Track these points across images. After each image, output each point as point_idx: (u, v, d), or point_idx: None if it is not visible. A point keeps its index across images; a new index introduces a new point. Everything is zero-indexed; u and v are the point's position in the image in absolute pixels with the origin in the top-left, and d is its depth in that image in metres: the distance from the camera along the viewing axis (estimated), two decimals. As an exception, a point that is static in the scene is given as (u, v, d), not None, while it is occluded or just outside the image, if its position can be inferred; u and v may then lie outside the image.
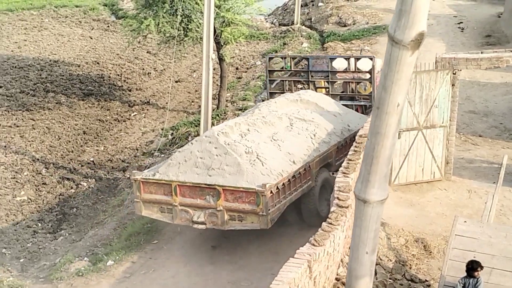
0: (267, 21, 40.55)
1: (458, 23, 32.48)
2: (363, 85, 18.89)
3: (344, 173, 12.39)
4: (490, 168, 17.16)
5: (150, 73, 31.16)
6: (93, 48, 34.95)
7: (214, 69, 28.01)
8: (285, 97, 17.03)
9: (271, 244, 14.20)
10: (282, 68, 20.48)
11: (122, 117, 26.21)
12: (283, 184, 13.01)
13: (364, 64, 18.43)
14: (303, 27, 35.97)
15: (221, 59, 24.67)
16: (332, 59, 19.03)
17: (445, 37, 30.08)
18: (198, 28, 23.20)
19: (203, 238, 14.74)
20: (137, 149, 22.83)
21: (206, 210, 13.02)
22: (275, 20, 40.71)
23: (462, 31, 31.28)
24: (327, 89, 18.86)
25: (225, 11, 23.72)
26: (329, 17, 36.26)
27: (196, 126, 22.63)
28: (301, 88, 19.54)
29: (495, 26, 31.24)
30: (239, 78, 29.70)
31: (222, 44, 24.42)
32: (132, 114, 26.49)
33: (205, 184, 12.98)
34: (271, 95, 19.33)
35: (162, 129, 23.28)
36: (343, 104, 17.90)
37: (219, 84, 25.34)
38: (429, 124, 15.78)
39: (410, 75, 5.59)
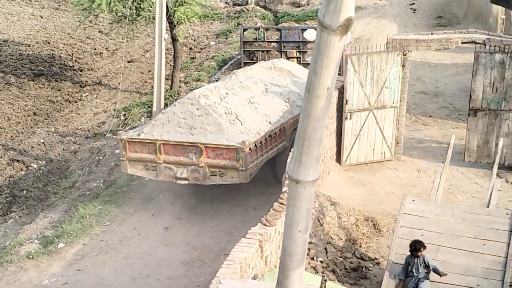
0: (221, 1, 40.31)
1: (410, 4, 32.84)
2: None
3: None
4: (439, 147, 17.51)
5: (102, 53, 30.69)
6: (43, 28, 34.22)
7: (167, 49, 27.83)
8: (260, 65, 18.09)
9: (225, 225, 14.28)
10: (256, 39, 21.62)
11: (73, 97, 25.81)
12: (261, 142, 14.23)
13: None
14: (257, 7, 35.88)
15: (174, 39, 24.46)
16: (303, 30, 20.94)
17: (397, 18, 30.41)
18: (151, 7, 22.94)
19: (156, 219, 14.73)
20: (88, 131, 22.54)
21: (189, 167, 14.10)
22: (229, 0, 40.53)
23: (414, 12, 31.65)
24: (299, 59, 20.35)
25: (178, -10, 23.51)
26: (283, -3, 36.23)
27: (148, 107, 22.48)
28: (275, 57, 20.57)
29: (446, 8, 31.67)
30: (193, 58, 29.49)
31: (175, 24, 24.20)
32: (84, 95, 26.11)
33: (188, 142, 14.06)
34: (245, 64, 20.53)
35: (114, 110, 23.04)
36: None
37: (172, 64, 25.16)
38: (380, 105, 16.00)
39: (339, 59, 5.72)
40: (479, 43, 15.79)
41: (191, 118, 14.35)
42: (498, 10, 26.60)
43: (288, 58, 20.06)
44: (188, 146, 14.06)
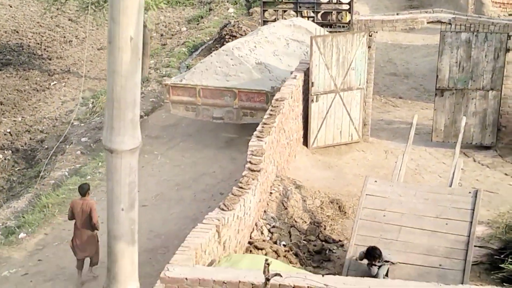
0: (193, -13, 39.88)
1: (382, -13, 32.65)
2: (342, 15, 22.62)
3: (258, 136, 12.29)
4: (408, 128, 17.27)
5: (72, 41, 30.22)
6: (12, 17, 33.62)
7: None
8: (281, 22, 20.06)
9: (190, 211, 14.06)
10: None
11: (41, 86, 25.37)
12: None
13: None
14: (229, -8, 35.52)
15: (143, 25, 24.10)
16: None
17: (369, 1, 30.22)
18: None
19: (120, 207, 14.45)
20: (56, 119, 22.18)
21: (225, 108, 16.43)
22: (201, -15, 40.09)
23: (385, -6, 31.47)
24: (313, 18, 22.29)
25: (145, -25, 23.10)
26: (256, -19, 35.88)
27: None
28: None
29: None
30: (164, 44, 29.15)
31: (144, 10, 23.84)
32: (52, 83, 25.67)
33: (224, 87, 16.40)
34: (264, 23, 22.64)
35: (82, 98, 22.67)
36: None
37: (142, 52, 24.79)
38: (346, 87, 15.83)
39: (139, 4, 5.16)
40: (444, 22, 15.68)
41: (226, 67, 16.71)
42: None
43: (303, 17, 22.22)
44: (224, 91, 16.37)
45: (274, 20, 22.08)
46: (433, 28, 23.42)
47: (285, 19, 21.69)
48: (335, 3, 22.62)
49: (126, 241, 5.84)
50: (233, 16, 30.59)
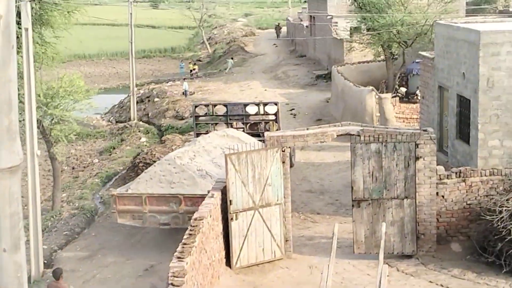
0: (103, 119, 39.99)
1: (290, 110, 33.72)
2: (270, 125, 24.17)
3: (178, 257, 11.85)
4: (329, 243, 17.20)
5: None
6: None
7: (48, 171, 26.84)
8: (215, 133, 21.57)
9: None
10: (206, 114, 24.64)
11: None
12: None
13: (271, 108, 24.12)
14: (141, 122, 35.86)
15: (52, 158, 23.62)
16: (245, 105, 24.55)
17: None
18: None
19: None
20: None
21: (170, 214, 17.18)
22: (112, 118, 40.27)
23: (294, 117, 32.50)
24: (243, 129, 23.52)
25: (53, 108, 22.91)
26: (166, 111, 36.42)
27: (26, 232, 21.19)
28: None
29: (324, 110, 32.76)
30: (76, 177, 28.63)
31: (53, 142, 23.45)
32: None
33: (170, 194, 17.34)
34: (197, 135, 23.68)
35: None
36: None
37: (53, 185, 24.16)
38: (265, 203, 15.73)
39: None
40: (353, 134, 16.05)
41: (170, 175, 17.72)
42: (373, 108, 27.68)
43: (233, 128, 23.37)
44: (169, 197, 17.25)
45: (207, 132, 23.29)
46: (344, 146, 24.21)
47: (216, 130, 23.02)
48: (262, 114, 23.97)
49: None
50: (145, 145, 30.59)
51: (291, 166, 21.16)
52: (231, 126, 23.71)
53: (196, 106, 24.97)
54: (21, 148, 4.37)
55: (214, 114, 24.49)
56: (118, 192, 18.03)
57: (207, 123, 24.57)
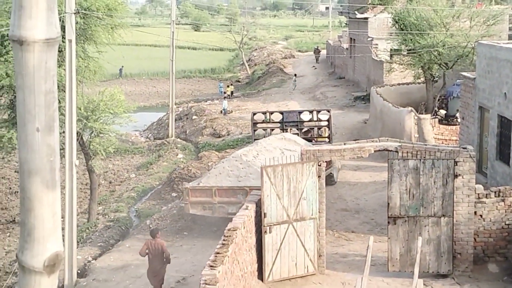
0: (142, 136, 40.41)
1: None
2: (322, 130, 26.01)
3: (211, 266, 11.81)
4: (363, 260, 17.01)
5: (18, 192, 29.69)
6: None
7: (85, 184, 27.15)
8: (274, 137, 23.30)
9: None
10: (263, 120, 26.19)
11: (-17, 237, 24.57)
12: None
13: (324, 115, 25.82)
14: (178, 139, 36.08)
15: (90, 171, 23.90)
16: (300, 112, 26.37)
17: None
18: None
19: None
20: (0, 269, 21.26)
21: (238, 205, 17.58)
22: (150, 134, 40.65)
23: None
24: (297, 134, 24.85)
25: (93, 121, 23.23)
26: (204, 129, 36.62)
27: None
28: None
29: (362, 131, 32.55)
30: (113, 191, 28.91)
31: (92, 156, 23.75)
32: (-4, 234, 24.88)
33: (237, 186, 19.03)
34: (255, 140, 24.87)
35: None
36: None
37: (89, 197, 24.42)
38: (299, 217, 15.61)
39: None
40: (391, 150, 15.90)
41: (237, 170, 19.67)
42: (411, 129, 27.42)
43: None
44: (237, 189, 18.85)
45: (264, 137, 24.84)
46: (381, 167, 23.98)
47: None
48: (315, 121, 25.58)
49: (44, 180, 4.24)
50: (182, 161, 30.75)
51: (333, 184, 23.45)
52: (286, 132, 25.03)
53: (254, 114, 26.67)
54: (58, 21, 4.14)
55: (271, 120, 26.07)
56: (190, 185, 19.80)
57: (264, 129, 26.03)
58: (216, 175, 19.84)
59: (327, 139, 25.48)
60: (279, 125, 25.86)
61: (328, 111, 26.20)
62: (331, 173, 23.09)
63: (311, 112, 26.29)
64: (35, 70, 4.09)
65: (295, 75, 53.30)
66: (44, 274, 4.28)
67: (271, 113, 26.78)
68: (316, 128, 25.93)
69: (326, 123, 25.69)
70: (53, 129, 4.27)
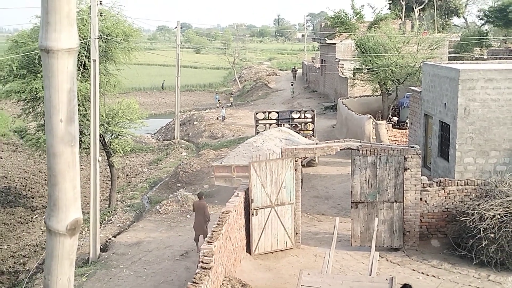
0: (153, 138, 40.28)
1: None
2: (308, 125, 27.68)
3: (208, 241, 11.85)
4: (331, 237, 17.00)
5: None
6: (2, 166, 32.90)
7: (107, 177, 27.01)
8: (273, 129, 25.13)
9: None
10: (263, 118, 27.88)
11: (25, 219, 24.36)
12: None
13: (309, 114, 27.83)
14: (182, 141, 35.99)
15: (111, 166, 23.82)
16: (291, 112, 28.37)
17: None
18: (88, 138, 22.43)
19: None
20: (36, 246, 21.07)
21: None
22: (160, 136, 40.53)
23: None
24: (289, 128, 26.18)
25: (113, 126, 23.18)
26: (203, 132, 36.53)
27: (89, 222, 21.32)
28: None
29: (331, 134, 32.57)
30: (129, 182, 28.79)
31: (112, 153, 23.68)
32: (34, 217, 24.68)
33: None
34: (257, 133, 26.27)
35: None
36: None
37: (110, 187, 24.32)
38: (280, 202, 15.67)
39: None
40: (354, 149, 15.97)
41: (249, 152, 20.96)
42: (370, 132, 27.51)
43: None
44: None
45: (264, 130, 26.34)
46: (345, 162, 24.02)
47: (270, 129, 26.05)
48: (303, 118, 27.47)
49: (66, 161, 4.35)
50: (185, 158, 30.68)
51: (315, 165, 25.39)
52: (281, 126, 26.47)
53: (257, 113, 28.27)
54: (77, 34, 4.26)
55: (269, 118, 27.74)
56: (215, 164, 21.37)
57: (264, 125, 27.49)
58: (234, 156, 21.33)
59: (311, 132, 27.23)
60: (275, 121, 27.43)
61: (313, 111, 27.97)
62: (313, 158, 24.34)
63: (299, 111, 28.11)
64: (59, 73, 4.21)
65: (292, 84, 54.38)
66: (67, 236, 4.40)
67: (269, 112, 28.36)
68: (303, 124, 27.43)
69: (310, 119, 27.39)
70: (73, 120, 4.36)
